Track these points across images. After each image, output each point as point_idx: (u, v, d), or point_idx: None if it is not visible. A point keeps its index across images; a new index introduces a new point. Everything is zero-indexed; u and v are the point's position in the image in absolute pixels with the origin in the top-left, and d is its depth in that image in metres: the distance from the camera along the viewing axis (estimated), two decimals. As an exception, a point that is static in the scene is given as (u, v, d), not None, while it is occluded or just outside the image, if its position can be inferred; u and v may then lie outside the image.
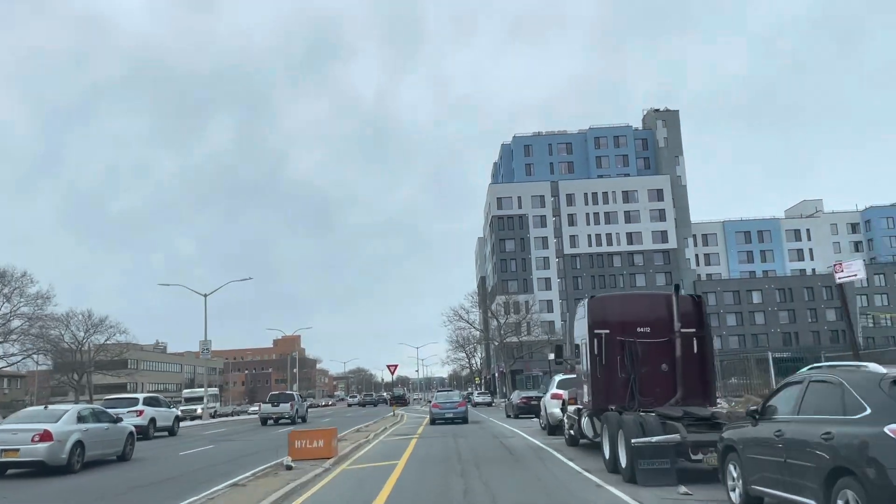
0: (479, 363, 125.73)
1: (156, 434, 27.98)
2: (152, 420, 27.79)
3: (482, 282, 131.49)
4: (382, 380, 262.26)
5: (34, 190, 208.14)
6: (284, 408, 37.57)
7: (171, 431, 29.93)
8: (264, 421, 37.42)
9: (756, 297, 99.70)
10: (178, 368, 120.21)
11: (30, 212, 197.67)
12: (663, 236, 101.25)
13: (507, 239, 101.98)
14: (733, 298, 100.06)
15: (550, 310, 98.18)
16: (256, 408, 76.51)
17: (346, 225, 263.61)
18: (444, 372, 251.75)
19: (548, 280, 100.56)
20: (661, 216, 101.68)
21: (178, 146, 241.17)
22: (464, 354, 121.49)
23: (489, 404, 67.34)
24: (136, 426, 23.75)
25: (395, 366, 42.43)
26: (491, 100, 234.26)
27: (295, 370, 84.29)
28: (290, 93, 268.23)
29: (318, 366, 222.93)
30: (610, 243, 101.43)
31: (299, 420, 38.15)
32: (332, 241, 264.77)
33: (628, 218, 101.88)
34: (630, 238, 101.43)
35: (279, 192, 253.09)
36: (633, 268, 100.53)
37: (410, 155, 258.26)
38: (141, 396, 29.71)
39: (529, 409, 34.29)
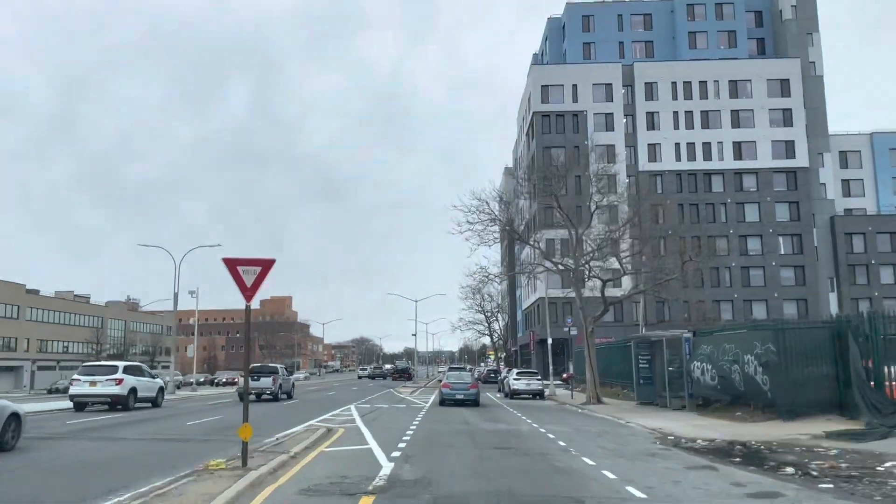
0: (501, 329, 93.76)
1: (137, 405, 25.97)
2: (132, 390, 25.49)
3: (510, 223, 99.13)
4: (381, 350, 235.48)
5: (49, 154, 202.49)
6: (266, 382, 32.68)
7: (155, 403, 27.62)
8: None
9: (925, 243, 66.71)
10: (97, 322, 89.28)
11: (44, 176, 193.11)
12: (788, 149, 68.01)
13: (554, 147, 68.90)
14: (890, 243, 67.01)
15: (619, 282, 66.30)
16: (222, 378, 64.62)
17: (358, 197, 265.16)
18: (454, 345, 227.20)
19: (613, 209, 67.71)
20: (786, 119, 68.36)
21: (193, 113, 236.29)
22: (482, 316, 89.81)
23: (539, 395, 35.42)
24: (114, 396, 24.59)
25: (240, 261, 10.47)
26: (507, 76, 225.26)
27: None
28: (305, 64, 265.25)
29: (319, 335, 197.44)
30: (708, 157, 68.36)
31: (283, 397, 34.11)
32: (343, 212, 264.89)
33: (736, 121, 68.66)
34: (738, 150, 68.32)
35: (292, 163, 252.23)
36: (741, 194, 67.53)
37: (424, 130, 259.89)
38: (121, 364, 26.49)
39: None
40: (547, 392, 36.97)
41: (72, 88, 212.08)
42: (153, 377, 29.23)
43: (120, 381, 24.97)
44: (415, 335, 68.08)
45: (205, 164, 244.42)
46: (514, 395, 35.54)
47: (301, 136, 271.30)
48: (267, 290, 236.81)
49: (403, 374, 78.74)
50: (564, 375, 55.93)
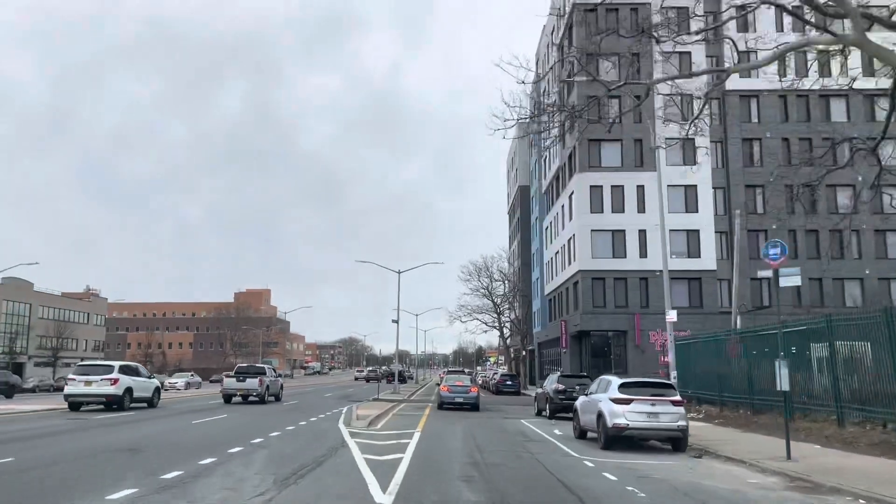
0: (514, 318, 72.19)
1: (133, 405, 25.75)
2: (128, 390, 25.37)
3: (522, 192, 78.22)
4: (369, 350, 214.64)
5: (45, 150, 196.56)
6: (252, 384, 31.30)
7: (151, 403, 27.45)
8: (228, 398, 31.75)
9: None
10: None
11: (40, 172, 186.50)
12: (941, 63, 47.05)
13: (605, 55, 47.88)
14: None
15: (696, 250, 46.61)
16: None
17: (352, 199, 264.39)
18: (448, 346, 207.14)
19: (694, 190, 46.89)
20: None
21: (189, 111, 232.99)
22: (489, 302, 68.72)
23: (679, 441, 13.68)
24: (109, 395, 24.47)
25: None
26: (502, 79, 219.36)
27: None
28: (301, 64, 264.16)
29: (304, 335, 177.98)
30: (827, 72, 47.28)
31: (271, 399, 32.76)
32: (337, 214, 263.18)
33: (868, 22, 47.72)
34: (871, 63, 47.40)
35: (287, 162, 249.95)
36: (873, 125, 46.68)
37: (419, 133, 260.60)
38: (116, 364, 26.28)
39: None
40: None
41: (68, 84, 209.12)
42: (150, 377, 28.81)
43: (115, 381, 24.75)
44: (396, 322, 46.59)
45: (200, 162, 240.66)
46: (615, 438, 14.36)
47: (297, 135, 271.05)
48: (242, 283, 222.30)
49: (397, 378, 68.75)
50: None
